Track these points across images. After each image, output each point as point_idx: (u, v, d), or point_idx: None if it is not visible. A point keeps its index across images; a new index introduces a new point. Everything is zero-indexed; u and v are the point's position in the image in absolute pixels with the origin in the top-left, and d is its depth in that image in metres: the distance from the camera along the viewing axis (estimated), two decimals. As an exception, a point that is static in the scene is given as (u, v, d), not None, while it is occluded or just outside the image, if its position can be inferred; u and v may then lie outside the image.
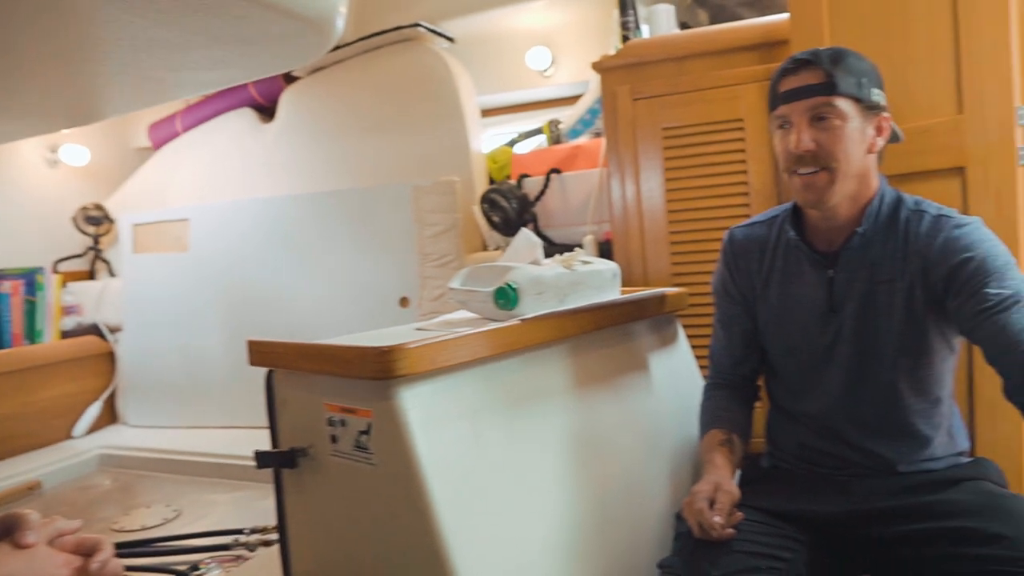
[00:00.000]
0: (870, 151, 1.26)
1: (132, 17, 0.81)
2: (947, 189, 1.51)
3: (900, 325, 1.24)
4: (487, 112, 3.39)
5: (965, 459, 1.30)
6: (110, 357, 3.49)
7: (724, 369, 1.48)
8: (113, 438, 3.22)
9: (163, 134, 3.75)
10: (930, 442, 1.26)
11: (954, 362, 1.29)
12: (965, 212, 1.47)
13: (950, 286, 1.17)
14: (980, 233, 1.19)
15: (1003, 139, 1.46)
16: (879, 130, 1.26)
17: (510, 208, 2.65)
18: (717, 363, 1.49)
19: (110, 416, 3.47)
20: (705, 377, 1.53)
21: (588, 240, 2.49)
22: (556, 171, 2.69)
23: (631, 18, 2.60)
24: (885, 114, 1.27)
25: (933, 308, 1.22)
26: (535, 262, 1.40)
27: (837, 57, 1.22)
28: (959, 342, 1.27)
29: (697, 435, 1.44)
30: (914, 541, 1.16)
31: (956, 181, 1.51)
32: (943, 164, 1.51)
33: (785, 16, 1.78)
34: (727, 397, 1.45)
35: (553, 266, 1.39)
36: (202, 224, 3.39)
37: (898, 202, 1.28)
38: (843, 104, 1.21)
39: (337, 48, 3.19)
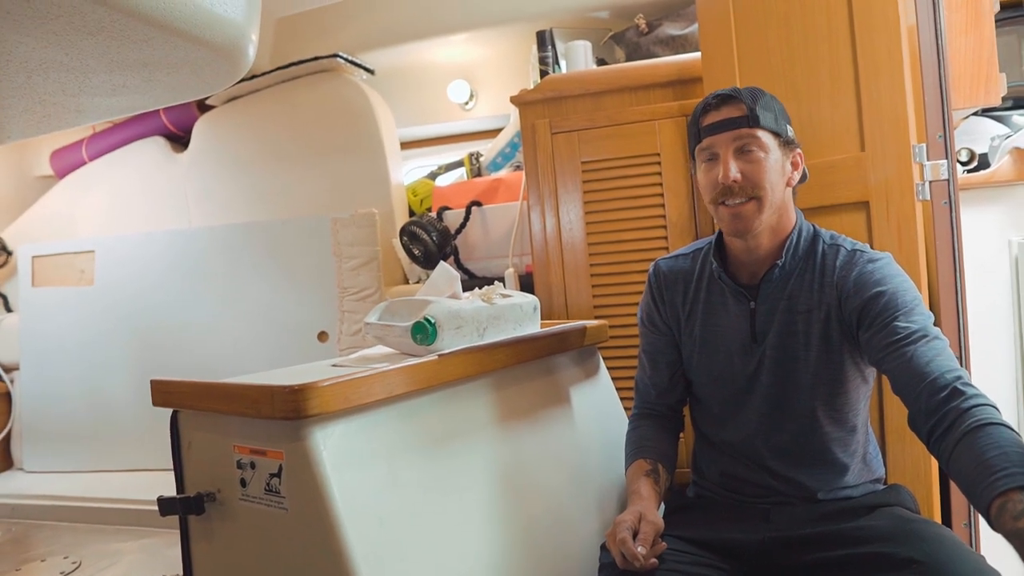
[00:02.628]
0: (788, 184, 1.30)
1: (21, 37, 0.76)
2: (854, 222, 1.57)
3: (817, 354, 1.27)
4: (407, 144, 3.38)
5: (880, 486, 1.34)
6: (5, 398, 3.29)
7: (650, 399, 1.48)
8: (7, 485, 3.03)
9: (67, 162, 3.59)
10: (847, 470, 1.29)
11: (868, 391, 1.32)
12: (870, 244, 1.53)
13: (862, 319, 1.21)
14: (891, 268, 1.24)
15: (901, 175, 1.53)
16: (794, 165, 1.32)
17: (431, 241, 2.63)
18: (643, 394, 1.50)
19: (4, 462, 3.27)
20: (627, 408, 1.53)
21: (509, 273, 2.49)
22: (477, 204, 2.69)
23: (549, 53, 2.65)
24: (799, 150, 1.32)
25: (847, 338, 1.25)
26: (454, 296, 1.38)
27: (756, 94, 1.28)
28: (872, 373, 1.31)
29: (622, 466, 1.44)
30: (832, 567, 1.17)
31: (862, 214, 1.57)
32: (849, 198, 1.57)
33: (697, 55, 1.84)
34: (653, 427, 1.45)
35: (472, 300, 1.38)
36: (109, 256, 3.25)
37: (815, 236, 1.32)
38: (765, 137, 1.25)
39: (253, 77, 3.14)
